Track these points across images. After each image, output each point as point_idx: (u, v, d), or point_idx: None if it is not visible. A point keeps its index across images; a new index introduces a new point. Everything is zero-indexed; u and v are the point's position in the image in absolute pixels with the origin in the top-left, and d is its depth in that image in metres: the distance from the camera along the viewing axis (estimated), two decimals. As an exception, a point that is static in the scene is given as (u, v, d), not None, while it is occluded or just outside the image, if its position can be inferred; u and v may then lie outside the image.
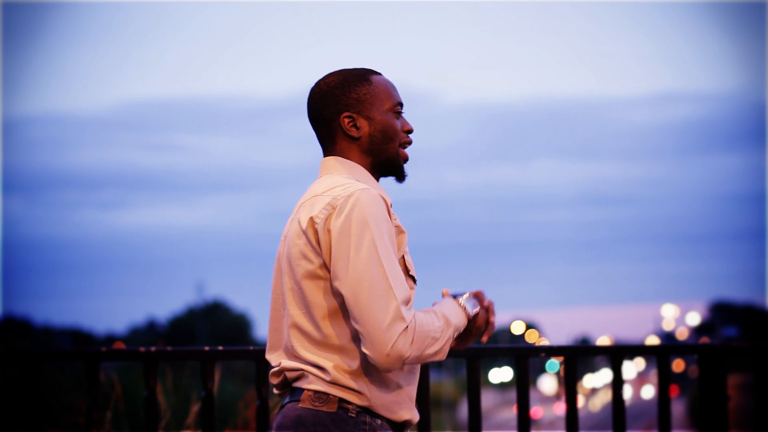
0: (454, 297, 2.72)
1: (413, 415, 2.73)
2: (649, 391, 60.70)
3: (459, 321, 2.69)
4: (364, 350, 2.58)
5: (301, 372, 2.65)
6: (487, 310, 2.75)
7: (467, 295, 2.73)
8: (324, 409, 2.62)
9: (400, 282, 2.60)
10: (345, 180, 2.70)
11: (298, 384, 2.66)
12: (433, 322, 2.63)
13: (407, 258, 2.72)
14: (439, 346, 2.62)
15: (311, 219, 2.65)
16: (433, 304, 2.74)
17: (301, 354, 2.65)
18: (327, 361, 2.63)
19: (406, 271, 2.71)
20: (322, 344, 2.64)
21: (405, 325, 2.56)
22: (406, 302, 2.60)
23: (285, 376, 2.69)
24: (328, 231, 2.62)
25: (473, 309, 2.72)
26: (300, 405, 2.64)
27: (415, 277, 2.74)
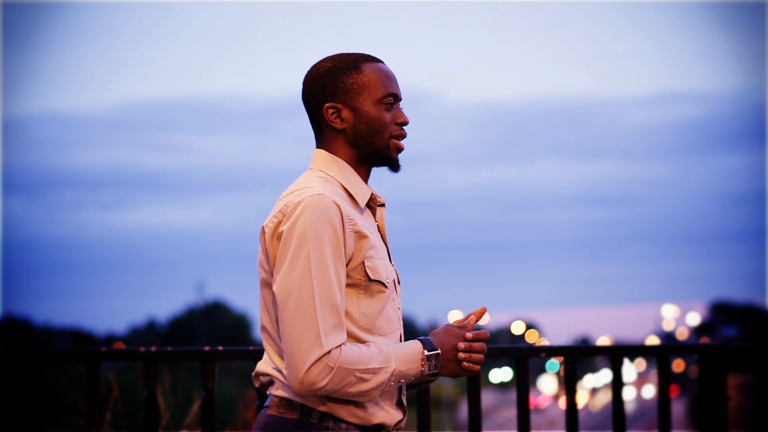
0: (423, 343, 2.58)
1: (388, 418, 2.62)
2: (649, 391, 60.68)
3: (409, 370, 2.55)
4: (283, 370, 2.52)
5: (270, 377, 2.61)
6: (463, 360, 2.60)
7: (440, 351, 2.58)
8: (288, 415, 2.56)
9: (329, 305, 2.48)
10: (313, 180, 2.60)
11: (269, 390, 2.62)
12: (368, 361, 2.49)
13: (369, 263, 2.57)
14: (367, 387, 2.49)
15: (263, 227, 2.58)
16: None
17: (272, 357, 2.61)
18: None
19: (367, 277, 2.57)
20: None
21: (322, 353, 2.45)
22: (334, 327, 2.47)
23: (260, 381, 2.66)
24: (277, 239, 2.54)
25: (433, 368, 2.57)
26: (268, 411, 2.60)
27: (384, 282, 2.59)
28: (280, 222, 2.54)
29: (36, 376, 4.25)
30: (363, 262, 2.56)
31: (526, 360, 4.35)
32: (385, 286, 2.60)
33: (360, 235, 2.56)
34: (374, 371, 2.49)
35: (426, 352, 2.56)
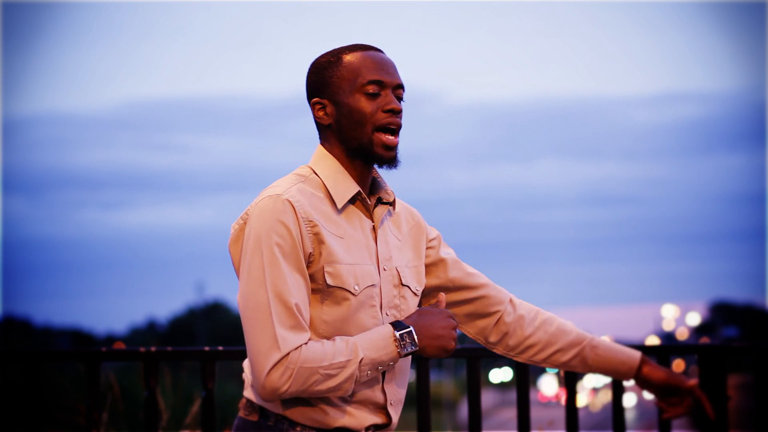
0: (395, 327, 2.50)
1: (353, 422, 2.55)
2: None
3: (383, 356, 2.47)
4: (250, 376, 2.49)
5: (244, 379, 2.61)
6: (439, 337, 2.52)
7: (412, 327, 2.49)
8: (251, 418, 2.55)
9: (283, 307, 2.42)
10: (284, 180, 2.57)
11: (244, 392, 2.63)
12: (333, 356, 2.42)
13: (330, 269, 2.50)
14: (336, 383, 2.43)
15: (232, 227, 2.56)
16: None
17: (248, 358, 2.59)
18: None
19: (326, 283, 2.49)
20: None
21: (280, 356, 2.39)
22: (292, 328, 2.42)
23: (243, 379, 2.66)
24: (237, 241, 2.52)
25: (411, 346, 2.49)
26: (239, 413, 2.60)
27: (348, 288, 2.52)
28: (244, 223, 2.52)
29: (36, 376, 4.25)
30: (323, 267, 2.50)
31: (526, 360, 4.34)
32: (351, 293, 2.53)
33: (319, 239, 2.50)
34: (341, 365, 2.43)
35: (397, 333, 2.49)
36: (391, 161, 2.59)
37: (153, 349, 4.27)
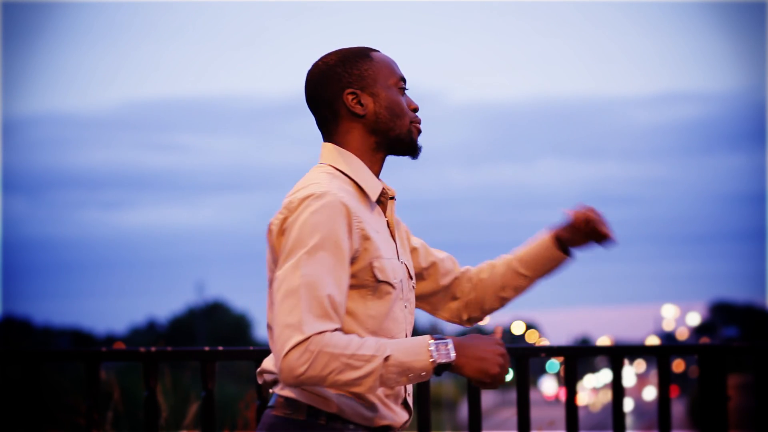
0: (433, 336, 2.42)
1: (394, 419, 2.55)
2: (650, 392, 60.67)
3: (414, 361, 2.39)
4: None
5: (274, 376, 2.54)
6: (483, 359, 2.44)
7: (450, 340, 2.42)
8: (294, 416, 2.50)
9: (315, 297, 2.37)
10: (319, 176, 2.55)
11: (273, 389, 2.56)
12: (357, 347, 2.36)
13: (377, 264, 2.50)
14: (357, 375, 2.34)
15: (269, 225, 2.52)
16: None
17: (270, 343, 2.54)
18: None
19: (375, 278, 2.50)
20: None
21: (302, 338, 2.33)
22: (319, 317, 2.37)
23: (264, 378, 2.59)
24: (281, 235, 2.49)
25: (446, 357, 2.40)
26: (273, 412, 2.54)
27: (391, 282, 2.53)
28: (285, 218, 2.48)
29: (36, 376, 4.25)
30: (371, 263, 2.50)
31: (526, 360, 4.34)
32: (393, 287, 2.55)
33: (365, 235, 2.50)
34: (365, 359, 2.35)
35: (432, 341, 2.42)
36: (419, 149, 2.67)
37: (153, 349, 4.27)
